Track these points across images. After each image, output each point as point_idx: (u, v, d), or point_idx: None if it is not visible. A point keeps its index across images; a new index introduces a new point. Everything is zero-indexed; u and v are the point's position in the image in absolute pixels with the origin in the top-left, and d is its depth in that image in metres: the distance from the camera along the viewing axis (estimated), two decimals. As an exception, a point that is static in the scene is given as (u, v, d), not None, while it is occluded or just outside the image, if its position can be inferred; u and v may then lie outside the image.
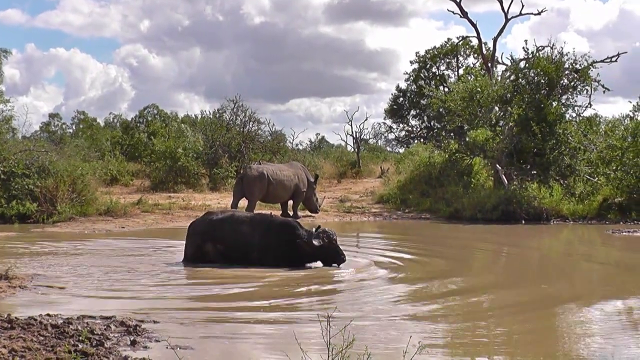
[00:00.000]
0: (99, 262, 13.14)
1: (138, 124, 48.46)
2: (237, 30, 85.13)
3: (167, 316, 8.33)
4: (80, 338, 6.89)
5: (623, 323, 8.65)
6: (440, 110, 29.73)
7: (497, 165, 25.17)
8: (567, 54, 25.61)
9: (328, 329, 5.29)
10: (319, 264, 12.59)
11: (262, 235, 12.54)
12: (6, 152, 22.86)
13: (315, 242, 12.27)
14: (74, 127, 56.59)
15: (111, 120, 57.04)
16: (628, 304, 9.79)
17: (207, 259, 12.58)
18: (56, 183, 21.87)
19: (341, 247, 12.69)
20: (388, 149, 54.88)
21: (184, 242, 13.16)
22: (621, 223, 22.09)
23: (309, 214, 24.30)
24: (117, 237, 18.12)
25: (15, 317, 7.53)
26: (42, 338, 6.88)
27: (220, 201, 27.13)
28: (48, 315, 7.93)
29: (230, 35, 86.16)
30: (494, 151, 25.44)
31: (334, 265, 12.54)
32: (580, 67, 25.45)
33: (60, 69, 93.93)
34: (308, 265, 12.57)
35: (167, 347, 6.83)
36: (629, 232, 19.52)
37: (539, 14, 35.14)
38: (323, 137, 61.84)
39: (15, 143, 24.66)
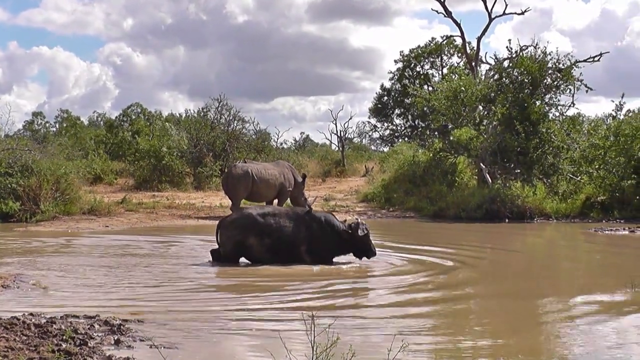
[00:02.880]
0: (83, 260, 13.09)
1: (122, 123, 48.34)
2: (221, 29, 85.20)
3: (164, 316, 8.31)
4: (64, 337, 6.84)
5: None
6: (425, 109, 29.86)
7: (481, 164, 25.26)
8: (550, 54, 25.76)
9: (312, 328, 5.29)
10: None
11: (307, 228, 12.48)
12: (-12, 151, 22.73)
13: (359, 232, 12.28)
14: (57, 125, 56.44)
15: (95, 118, 57.02)
16: None
17: (249, 253, 12.41)
18: (39, 182, 21.74)
19: None
20: (372, 147, 55.15)
21: (215, 239, 12.89)
22: (604, 222, 22.22)
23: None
24: (101, 234, 18.06)
25: (-2, 317, 7.48)
26: (25, 337, 6.83)
27: (204, 200, 27.09)
28: (31, 314, 7.87)
29: (214, 34, 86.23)
30: (478, 150, 25.54)
31: (364, 258, 12.61)
32: (563, 67, 25.57)
33: (43, 67, 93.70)
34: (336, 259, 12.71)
35: (151, 347, 6.80)
36: (610, 230, 19.63)
37: (522, 13, 35.36)
38: (307, 136, 61.99)
39: (-3, 142, 24.50)
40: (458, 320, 8.74)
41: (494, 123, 25.72)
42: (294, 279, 11.18)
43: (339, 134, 45.71)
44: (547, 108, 25.85)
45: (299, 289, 10.36)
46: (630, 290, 10.18)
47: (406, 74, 51.94)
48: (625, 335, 7.98)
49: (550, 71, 25.62)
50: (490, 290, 10.88)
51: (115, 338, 7.07)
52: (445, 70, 48.71)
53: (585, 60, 26.84)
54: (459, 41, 42.17)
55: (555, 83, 25.83)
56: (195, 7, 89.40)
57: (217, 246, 12.82)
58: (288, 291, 10.18)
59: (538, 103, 25.45)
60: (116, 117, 50.89)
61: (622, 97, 26.67)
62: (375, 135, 54.91)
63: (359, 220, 12.74)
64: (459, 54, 48.71)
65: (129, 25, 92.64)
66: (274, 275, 11.51)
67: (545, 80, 25.65)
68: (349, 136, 49.45)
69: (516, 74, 25.93)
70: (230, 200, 23.69)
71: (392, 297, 9.91)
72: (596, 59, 27.49)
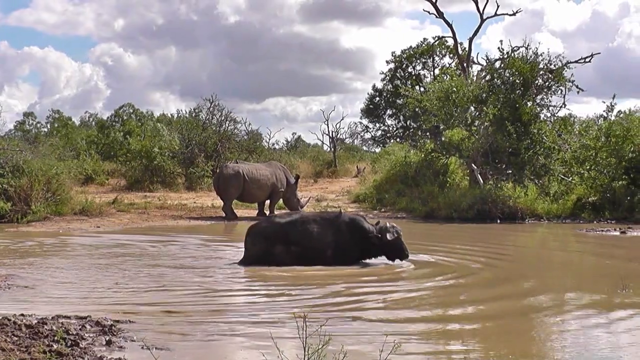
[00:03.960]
0: (74, 261, 13.07)
1: (113, 123, 48.28)
2: (212, 30, 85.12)
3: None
4: (55, 338, 6.82)
5: None
6: (416, 110, 29.89)
7: (473, 165, 25.30)
8: (541, 55, 25.76)
9: (304, 328, 5.29)
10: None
11: (335, 233, 12.48)
12: (-21, 151, 22.66)
13: (388, 237, 12.31)
14: (48, 126, 56.24)
15: (86, 119, 56.88)
16: None
17: (275, 261, 12.30)
18: (30, 182, 21.67)
19: None
20: (364, 148, 55.13)
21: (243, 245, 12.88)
22: (595, 222, 22.28)
23: (288, 213, 24.28)
24: (93, 235, 18.03)
25: (-11, 318, 7.45)
26: (16, 338, 6.80)
27: (196, 200, 27.07)
28: (22, 315, 7.84)
29: (205, 34, 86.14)
30: (470, 151, 25.58)
31: (397, 260, 12.64)
32: (554, 68, 25.60)
33: (34, 68, 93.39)
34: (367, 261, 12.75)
35: (142, 347, 6.78)
36: (601, 231, 19.68)
37: (513, 14, 35.45)
38: (299, 137, 61.91)
39: (-12, 142, 24.44)
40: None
41: (486, 124, 25.75)
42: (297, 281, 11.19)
43: (330, 135, 45.80)
44: (538, 109, 25.87)
45: (300, 291, 10.36)
46: (621, 292, 10.22)
47: (398, 74, 51.99)
48: (616, 334, 8.02)
49: (541, 72, 25.65)
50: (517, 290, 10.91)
51: (107, 339, 7.06)
52: (437, 71, 48.78)
53: (576, 61, 26.89)
54: (450, 42, 42.27)
55: (546, 84, 25.87)
56: (186, 8, 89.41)
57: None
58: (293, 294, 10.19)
59: (529, 104, 25.48)
60: (108, 118, 50.88)
61: (613, 98, 26.75)
62: (367, 135, 54.96)
63: (390, 224, 12.73)
64: (451, 55, 48.75)
65: (120, 26, 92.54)
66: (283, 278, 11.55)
67: (537, 81, 25.67)
68: (341, 137, 49.49)
69: (507, 74, 25.95)
70: (222, 201, 23.70)
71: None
72: (587, 60, 27.56)
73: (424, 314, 9.07)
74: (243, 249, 12.89)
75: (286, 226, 12.49)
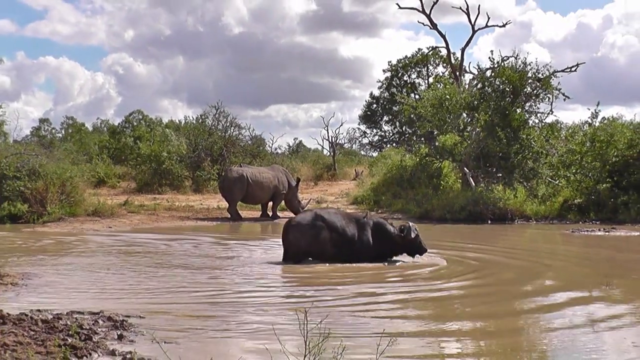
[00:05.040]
0: (87, 259, 13.08)
1: (124, 129, 48.19)
2: (218, 40, 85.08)
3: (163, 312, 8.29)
4: (70, 332, 6.84)
5: None
6: (412, 116, 29.90)
7: (465, 169, 25.30)
8: (529, 64, 25.74)
9: (305, 321, 5.29)
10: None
11: (360, 229, 12.76)
12: (-2, 155, 22.69)
13: (412, 235, 12.64)
14: (63, 131, 56.23)
15: (99, 125, 56.72)
16: None
17: (321, 246, 12.56)
18: (46, 185, 21.70)
19: None
20: (362, 152, 55.09)
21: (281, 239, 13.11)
22: (580, 223, 22.28)
23: (291, 215, 24.28)
24: (105, 234, 18.04)
25: (7, 313, 7.45)
26: (32, 333, 6.82)
27: (202, 202, 27.07)
28: (38, 310, 7.86)
29: (211, 44, 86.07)
30: (462, 155, 25.58)
31: (417, 256, 12.92)
32: (542, 76, 25.58)
33: (49, 76, 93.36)
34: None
35: (152, 341, 6.79)
36: (587, 231, 19.68)
37: (503, 26, 35.53)
38: (300, 142, 61.69)
39: (6, 147, 24.49)
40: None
41: (477, 129, 25.75)
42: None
43: (330, 140, 45.75)
44: (527, 115, 25.86)
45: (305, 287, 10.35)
46: (605, 288, 10.24)
47: (394, 82, 52.04)
48: (599, 326, 8.05)
49: (530, 80, 25.64)
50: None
51: (118, 333, 7.07)
52: (431, 80, 48.80)
53: (562, 71, 26.91)
54: (444, 52, 42.25)
55: (534, 92, 25.86)
56: (193, 19, 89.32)
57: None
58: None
59: (519, 111, 25.48)
60: (119, 124, 50.78)
61: (597, 105, 26.94)
62: (365, 140, 55.02)
63: (410, 224, 13.03)
64: (444, 64, 48.78)
65: (130, 37, 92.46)
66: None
67: (525, 89, 25.67)
68: (340, 142, 49.52)
69: (498, 83, 25.94)
70: (227, 203, 23.71)
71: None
72: (573, 69, 27.61)
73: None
74: (280, 246, 13.05)
75: (325, 215, 12.78)
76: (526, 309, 9.27)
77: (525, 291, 10.53)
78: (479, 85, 27.14)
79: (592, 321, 8.30)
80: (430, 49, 47.02)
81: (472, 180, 24.79)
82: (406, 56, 52.06)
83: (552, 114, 26.32)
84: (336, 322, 7.61)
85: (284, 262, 12.67)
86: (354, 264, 12.43)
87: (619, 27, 79.49)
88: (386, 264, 12.75)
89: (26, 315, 7.49)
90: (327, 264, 12.42)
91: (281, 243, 13.09)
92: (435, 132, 28.13)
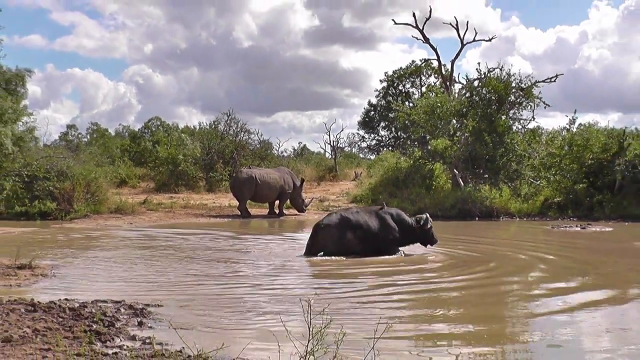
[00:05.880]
0: (111, 252, 13.10)
1: (144, 134, 48.14)
2: (229, 53, 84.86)
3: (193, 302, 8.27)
4: (94, 319, 6.85)
5: None
6: (406, 122, 29.83)
7: (455, 170, 25.31)
8: (513, 75, 25.74)
9: (309, 310, 5.27)
10: None
11: (381, 224, 12.66)
12: (29, 158, 22.74)
13: (428, 225, 12.63)
14: (88, 136, 56.16)
15: (120, 130, 56.70)
16: None
17: (347, 245, 12.49)
18: (73, 185, 21.74)
19: None
20: (361, 155, 54.90)
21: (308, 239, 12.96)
22: (560, 220, 22.28)
23: (295, 212, 24.31)
24: (128, 230, 18.05)
25: (38, 302, 7.47)
26: (61, 319, 6.83)
27: (215, 201, 27.05)
28: (66, 299, 7.87)
29: (223, 57, 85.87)
30: (452, 158, 25.58)
31: (429, 245, 12.95)
32: (524, 86, 25.59)
33: (76, 86, 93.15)
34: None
35: (169, 328, 6.79)
36: (565, 227, 19.69)
37: (489, 40, 35.41)
38: (305, 145, 61.49)
39: (37, 150, 24.46)
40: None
41: (466, 134, 25.74)
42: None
43: (331, 144, 45.61)
44: (511, 122, 25.86)
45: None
46: (582, 278, 10.24)
47: (390, 91, 51.98)
48: (576, 312, 8.04)
49: (513, 90, 25.63)
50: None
51: (139, 320, 7.08)
52: (423, 89, 48.71)
53: (543, 81, 26.82)
54: (435, 64, 41.95)
55: (518, 100, 25.85)
56: (206, 34, 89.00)
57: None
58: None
59: (503, 117, 25.48)
60: (139, 129, 50.67)
61: (574, 113, 26.97)
62: (363, 144, 54.87)
63: (426, 215, 12.98)
64: (436, 75, 48.70)
65: (149, 50, 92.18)
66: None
67: (510, 98, 25.66)
68: (341, 145, 49.27)
69: (484, 92, 25.94)
70: (237, 201, 23.71)
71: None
72: (553, 79, 27.53)
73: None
74: (306, 244, 12.87)
75: (350, 215, 12.71)
76: (514, 299, 9.27)
77: (517, 282, 10.53)
78: (467, 94, 27.12)
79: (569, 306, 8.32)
80: (423, 61, 47.07)
81: (461, 180, 24.79)
82: (401, 67, 52.05)
83: (533, 120, 26.42)
84: (342, 312, 7.59)
85: (300, 255, 12.60)
86: (369, 258, 12.24)
87: (594, 42, 79.49)
88: (400, 255, 12.65)
89: (55, 303, 7.50)
90: (344, 258, 12.27)
91: (305, 240, 12.97)
92: (428, 137, 28.10)
